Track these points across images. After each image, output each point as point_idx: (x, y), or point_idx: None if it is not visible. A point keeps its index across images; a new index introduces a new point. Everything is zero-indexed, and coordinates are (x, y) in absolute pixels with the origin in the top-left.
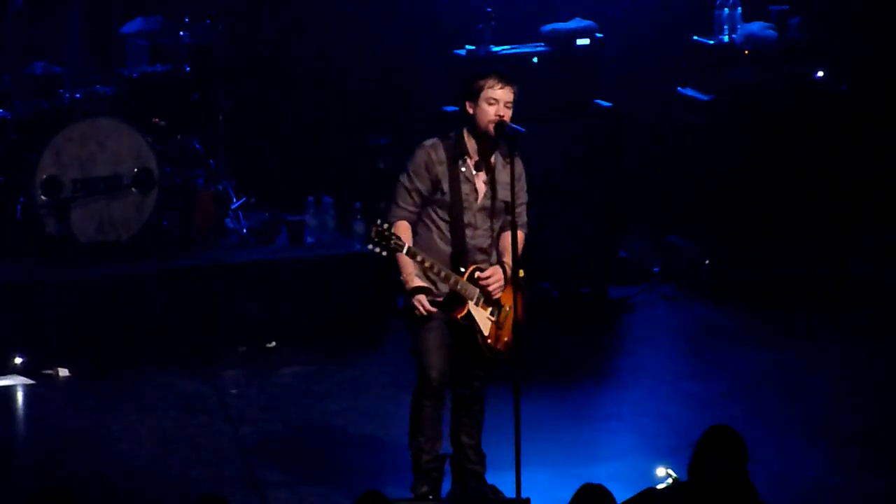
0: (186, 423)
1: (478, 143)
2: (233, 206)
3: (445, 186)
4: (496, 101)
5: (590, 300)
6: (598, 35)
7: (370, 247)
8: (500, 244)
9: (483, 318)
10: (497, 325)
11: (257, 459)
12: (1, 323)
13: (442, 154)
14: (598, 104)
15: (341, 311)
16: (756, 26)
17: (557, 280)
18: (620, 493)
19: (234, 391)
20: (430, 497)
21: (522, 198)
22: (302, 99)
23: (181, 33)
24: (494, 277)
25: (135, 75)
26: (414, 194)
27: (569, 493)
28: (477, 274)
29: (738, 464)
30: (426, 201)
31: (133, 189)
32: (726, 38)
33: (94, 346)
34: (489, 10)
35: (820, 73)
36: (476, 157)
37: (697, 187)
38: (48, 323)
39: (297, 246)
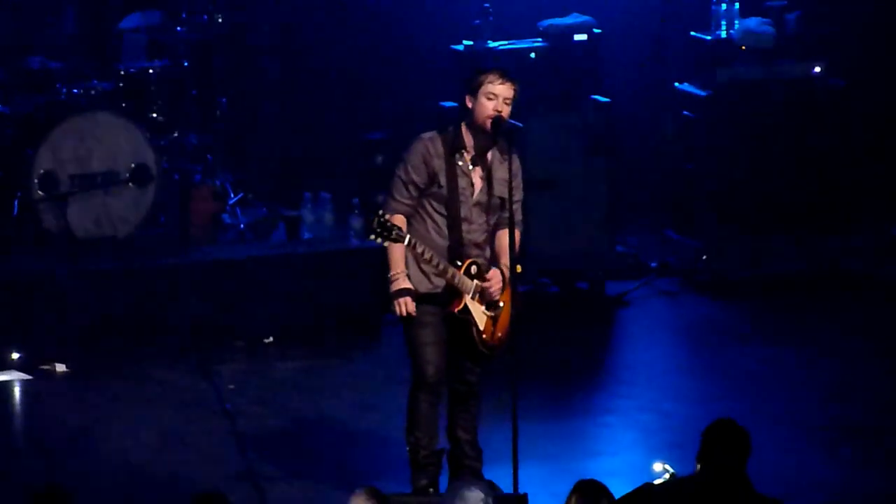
0: (184, 418)
1: (475, 137)
2: (230, 202)
3: (442, 180)
4: (495, 97)
5: (587, 295)
6: (596, 31)
7: (372, 237)
8: (496, 243)
9: (479, 313)
10: (492, 321)
11: (255, 454)
12: None
13: (440, 147)
14: (596, 99)
15: (338, 306)
16: (753, 22)
17: (555, 275)
18: (618, 488)
19: (231, 386)
20: (431, 490)
21: (518, 195)
22: (299, 94)
23: (179, 29)
24: (494, 280)
25: (132, 70)
26: (411, 187)
27: (566, 489)
28: (476, 282)
29: (741, 457)
30: (422, 194)
31: (130, 184)
32: (723, 34)
33: (91, 342)
34: (487, 5)
35: (817, 69)
36: (473, 152)
37: (695, 182)
38: (45, 318)
39: (294, 241)
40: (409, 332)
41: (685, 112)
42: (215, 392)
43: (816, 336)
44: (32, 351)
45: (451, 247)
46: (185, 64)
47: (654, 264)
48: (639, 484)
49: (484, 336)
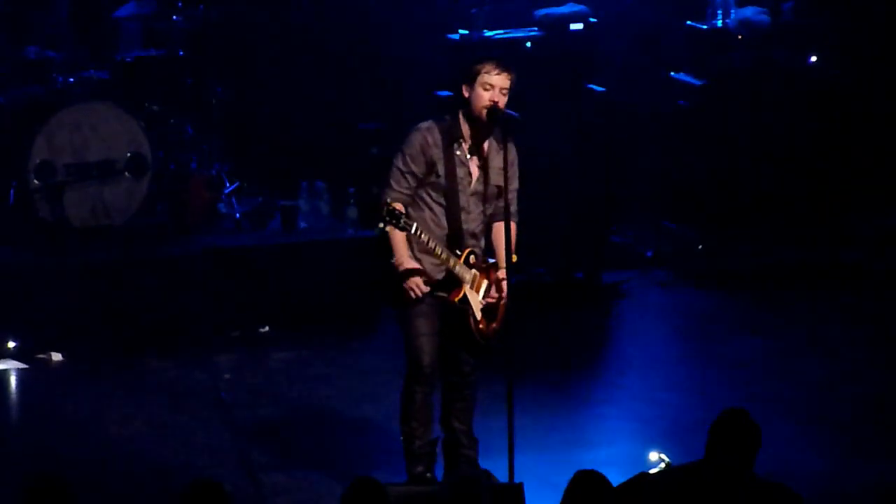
0: (180, 407)
1: (472, 127)
2: (226, 191)
3: (441, 169)
4: (492, 87)
5: (583, 285)
6: (592, 20)
7: (381, 225)
8: (493, 235)
9: (476, 302)
10: (488, 311)
11: (251, 443)
12: None
13: (437, 137)
14: (592, 89)
15: (334, 296)
16: (749, 11)
17: (551, 265)
18: (613, 478)
19: (227, 376)
20: (427, 475)
21: (514, 184)
22: (296, 83)
23: (175, 17)
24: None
25: (128, 60)
26: (409, 177)
27: (562, 478)
28: (475, 271)
29: (748, 453)
30: (420, 184)
31: (126, 174)
32: (720, 23)
33: (87, 331)
34: None
35: (813, 59)
36: (470, 141)
37: (691, 172)
38: (41, 307)
39: (290, 231)
40: (403, 322)
41: (681, 101)
42: (211, 381)
43: (812, 325)
44: (28, 340)
45: (448, 236)
46: (181, 53)
47: (649, 254)
48: (634, 473)
49: (480, 326)
